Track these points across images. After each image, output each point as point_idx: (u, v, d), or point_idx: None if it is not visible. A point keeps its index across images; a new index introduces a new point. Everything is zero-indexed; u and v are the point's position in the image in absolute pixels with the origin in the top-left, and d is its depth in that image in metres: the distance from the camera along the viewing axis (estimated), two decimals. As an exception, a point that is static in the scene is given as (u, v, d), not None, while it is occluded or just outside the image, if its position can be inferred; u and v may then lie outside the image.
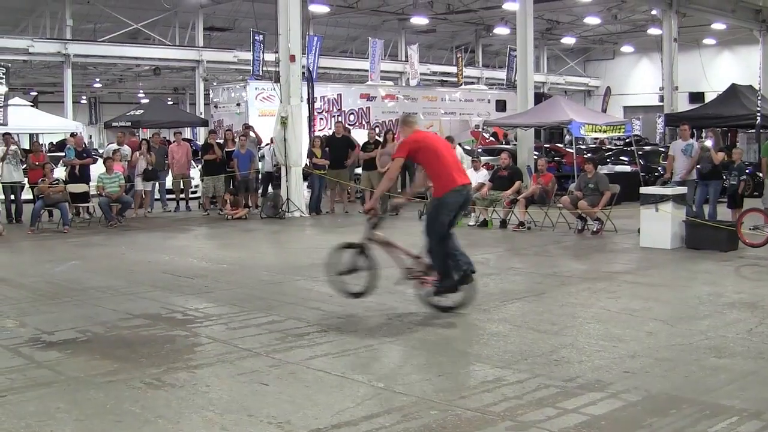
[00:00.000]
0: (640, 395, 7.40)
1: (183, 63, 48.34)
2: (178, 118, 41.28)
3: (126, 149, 25.07)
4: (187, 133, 44.65)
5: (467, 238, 18.90)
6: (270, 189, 25.46)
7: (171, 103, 63.22)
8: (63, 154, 24.29)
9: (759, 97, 29.14)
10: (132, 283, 13.38)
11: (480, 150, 31.97)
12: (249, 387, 7.71)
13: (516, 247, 17.94)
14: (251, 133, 26.03)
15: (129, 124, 37.25)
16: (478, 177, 21.83)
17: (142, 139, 27.44)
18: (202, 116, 43.73)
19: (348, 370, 8.23)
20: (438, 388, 7.59)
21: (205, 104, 46.40)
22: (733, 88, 33.74)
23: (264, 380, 7.88)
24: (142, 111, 39.39)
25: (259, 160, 25.72)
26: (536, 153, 30.66)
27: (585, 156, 27.20)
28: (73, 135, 26.09)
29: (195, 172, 27.78)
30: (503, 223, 20.77)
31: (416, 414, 6.89)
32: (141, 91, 70.34)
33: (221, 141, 26.04)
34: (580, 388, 7.58)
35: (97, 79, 63.17)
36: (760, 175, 19.96)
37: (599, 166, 22.28)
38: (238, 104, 34.41)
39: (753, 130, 32.40)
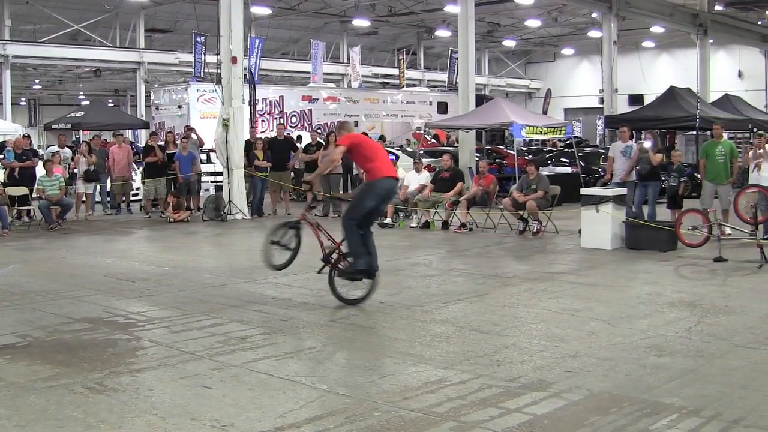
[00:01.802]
0: (582, 394, 7.47)
1: (124, 65, 47.96)
2: (119, 120, 40.97)
3: (66, 152, 24.85)
4: (129, 135, 44.31)
5: (409, 239, 19.01)
6: None
7: (112, 105, 62.65)
8: (2, 156, 23.99)
9: (698, 100, 29.48)
10: (73, 286, 13.26)
11: (422, 152, 32.05)
12: (192, 390, 7.68)
13: (458, 248, 18.00)
14: (193, 135, 25.90)
15: (69, 126, 36.96)
16: (419, 179, 21.91)
17: (83, 141, 27.18)
18: (144, 118, 43.42)
19: (291, 372, 8.23)
20: (381, 390, 7.61)
21: (146, 106, 46.11)
22: (672, 90, 34.12)
23: (207, 383, 7.86)
24: (82, 113, 39.00)
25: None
26: (477, 155, 30.79)
27: (527, 158, 27.37)
28: (26, 137, 25.76)
29: (136, 175, 27.55)
30: (445, 225, 20.85)
31: (360, 416, 6.90)
32: (81, 93, 69.70)
33: (162, 143, 25.88)
34: (522, 388, 7.64)
35: (37, 81, 62.57)
36: (699, 176, 20.20)
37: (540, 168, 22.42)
38: (180, 106, 34.33)
39: (692, 132, 32.82)
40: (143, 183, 25.87)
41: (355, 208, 11.65)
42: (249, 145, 24.34)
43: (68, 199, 22.83)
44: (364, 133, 17.87)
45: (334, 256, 11.77)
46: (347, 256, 11.62)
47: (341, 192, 22.98)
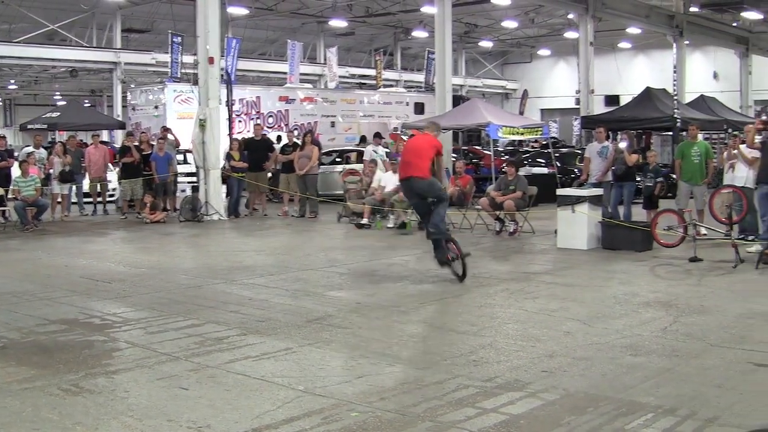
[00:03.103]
0: (559, 394, 7.50)
1: (100, 65, 47.62)
2: (95, 120, 40.77)
3: (42, 152, 24.71)
4: (105, 135, 44.10)
5: (386, 240, 19.04)
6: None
7: (88, 105, 62.34)
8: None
9: (675, 101, 29.57)
10: (49, 288, 13.21)
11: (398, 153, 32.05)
12: (168, 392, 7.67)
13: (435, 249, 18.01)
14: (169, 136, 25.83)
15: (45, 126, 36.77)
16: (396, 179, 21.89)
17: (58, 141, 27.04)
18: (120, 119, 43.20)
19: (268, 373, 8.22)
20: (358, 390, 7.61)
21: (123, 107, 45.81)
22: (648, 91, 34.21)
23: (183, 385, 7.84)
24: (58, 113, 38.82)
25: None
26: (454, 155, 30.82)
27: (504, 158, 27.42)
28: (1, 137, 25.60)
29: (112, 175, 27.42)
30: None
31: (337, 416, 6.91)
32: (57, 93, 69.28)
33: (137, 143, 25.76)
34: (499, 388, 7.66)
35: (12, 81, 62.18)
36: (674, 176, 20.29)
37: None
38: (156, 107, 34.18)
39: (667, 133, 32.94)
40: (119, 184, 25.77)
41: None
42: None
43: (44, 200, 22.73)
44: (411, 135, 20.14)
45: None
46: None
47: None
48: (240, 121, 34.58)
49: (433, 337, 9.71)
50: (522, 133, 27.58)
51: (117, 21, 47.74)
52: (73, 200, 25.75)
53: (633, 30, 48.96)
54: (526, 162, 31.24)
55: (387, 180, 21.98)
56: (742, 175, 17.55)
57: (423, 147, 13.96)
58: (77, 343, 9.51)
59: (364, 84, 54.73)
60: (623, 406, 7.16)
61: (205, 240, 20.21)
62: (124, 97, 44.64)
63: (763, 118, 29.20)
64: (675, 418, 6.86)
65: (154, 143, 25.67)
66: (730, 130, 31.15)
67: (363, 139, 36.18)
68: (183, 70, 39.18)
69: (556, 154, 30.11)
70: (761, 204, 16.16)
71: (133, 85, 43.21)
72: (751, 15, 43.11)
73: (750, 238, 17.03)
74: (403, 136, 34.72)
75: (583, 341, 9.44)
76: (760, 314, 10.88)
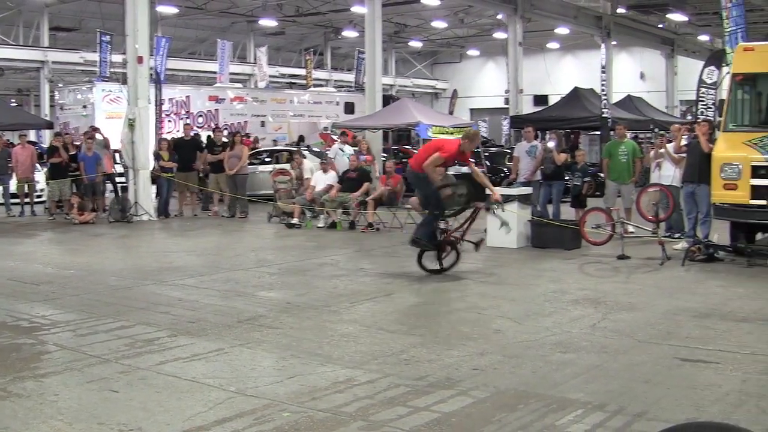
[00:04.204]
0: (489, 391, 7.55)
1: (27, 63, 46.92)
2: (22, 120, 39.90)
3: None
4: (32, 135, 43.50)
5: (316, 239, 19.03)
6: None
7: (14, 104, 61.43)
8: None
9: (604, 101, 29.86)
10: (-25, 290, 13.01)
11: (329, 152, 32.01)
12: (99, 394, 7.60)
13: (365, 248, 18.05)
14: (98, 136, 25.56)
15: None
16: (326, 179, 21.90)
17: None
18: (48, 118, 42.62)
19: (199, 374, 8.18)
20: (290, 390, 7.60)
21: (50, 106, 45.21)
22: (576, 91, 34.60)
23: (114, 387, 7.78)
24: (-17, 113, 38.20)
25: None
26: (384, 155, 30.87)
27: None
28: None
29: (40, 176, 27.04)
30: (352, 225, 20.89)
31: (269, 416, 6.90)
32: (-17, 93, 68.28)
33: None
34: (430, 387, 7.69)
35: (-64, 80, 61.14)
36: (602, 175, 20.52)
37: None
38: (85, 106, 33.82)
39: (595, 132, 33.27)
40: (47, 184, 25.43)
41: None
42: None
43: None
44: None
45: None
46: None
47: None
48: (170, 121, 34.32)
49: (364, 336, 9.71)
50: (451, 133, 27.63)
51: (44, 19, 47.06)
52: (-1, 201, 25.41)
53: (561, 30, 49.45)
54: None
55: (318, 180, 21.96)
56: (668, 174, 17.80)
57: (432, 145, 14.91)
58: (5, 347, 9.38)
59: (295, 84, 54.58)
60: (553, 403, 7.23)
61: (134, 241, 20.03)
62: (51, 97, 44.09)
63: (689, 118, 29.66)
64: (604, 414, 6.95)
65: (78, 143, 25.38)
66: (656, 130, 31.58)
67: (301, 139, 36.10)
68: (112, 70, 38.84)
69: (486, 154, 30.29)
70: (686, 202, 16.42)
71: (61, 85, 42.60)
72: (677, 17, 43.81)
73: (676, 235, 17.30)
74: (333, 136, 34.77)
75: (514, 339, 9.52)
76: (686, 310, 11.05)
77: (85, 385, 7.89)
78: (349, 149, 25.52)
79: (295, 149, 27.80)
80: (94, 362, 8.63)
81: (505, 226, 15.45)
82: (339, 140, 27.48)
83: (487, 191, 15.07)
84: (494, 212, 15.39)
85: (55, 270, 15.17)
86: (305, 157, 25.39)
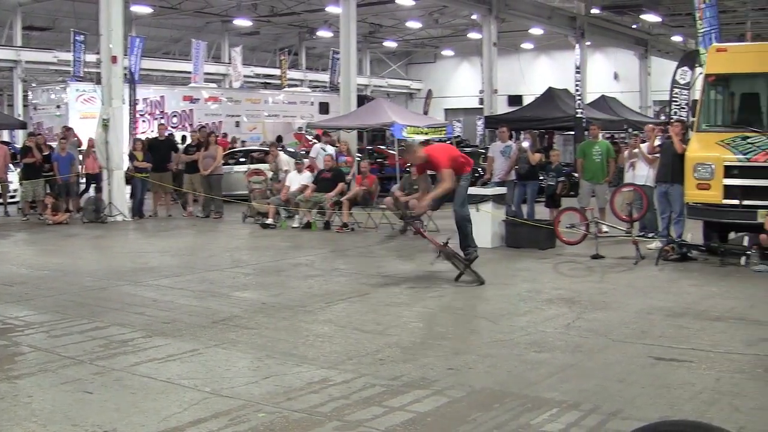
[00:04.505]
0: (465, 391, 7.56)
1: (0, 63, 46.79)
2: (-6, 120, 40.01)
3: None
4: (5, 135, 43.28)
5: (291, 240, 19.01)
6: None
7: (-13, 104, 61.16)
8: None
9: (578, 101, 29.94)
10: (-53, 291, 12.92)
11: (303, 152, 31.99)
12: (73, 396, 7.56)
13: (340, 248, 18.04)
14: (71, 136, 25.45)
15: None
16: (301, 179, 21.89)
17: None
18: (21, 118, 42.43)
19: (174, 375, 8.16)
20: (265, 391, 7.59)
21: (24, 106, 45.02)
22: (550, 91, 34.72)
23: (88, 388, 7.74)
24: (-43, 113, 38.07)
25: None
26: (359, 155, 30.86)
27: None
28: None
29: (13, 176, 26.87)
30: (327, 225, 20.87)
31: (244, 417, 6.89)
32: (-45, 92, 67.86)
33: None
34: (405, 386, 7.69)
35: None
36: (576, 175, 20.59)
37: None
38: (59, 106, 33.69)
39: (569, 132, 33.35)
40: (21, 184, 25.27)
41: None
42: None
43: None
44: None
45: None
46: None
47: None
48: (144, 121, 34.24)
49: (339, 336, 9.71)
50: (426, 133, 27.68)
51: (17, 18, 46.84)
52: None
53: (535, 31, 49.58)
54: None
55: (293, 180, 21.93)
56: (642, 173, 17.90)
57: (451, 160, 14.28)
58: (-22, 348, 9.33)
59: (269, 84, 54.59)
60: (528, 402, 7.25)
61: (109, 241, 19.95)
62: (25, 97, 43.91)
63: (663, 118, 29.79)
64: (579, 413, 6.97)
65: (52, 144, 25.26)
66: (630, 130, 31.69)
67: (279, 139, 36.08)
68: (86, 69, 38.69)
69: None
70: (660, 202, 16.49)
71: (34, 84, 42.49)
72: (650, 18, 43.99)
73: (650, 235, 17.39)
74: (307, 136, 34.77)
75: (488, 339, 9.54)
76: (660, 310, 11.10)
77: (60, 386, 7.85)
78: (330, 149, 25.53)
79: (269, 147, 27.67)
80: (68, 363, 8.59)
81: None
82: (322, 140, 27.44)
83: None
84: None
85: (29, 271, 15.08)
86: (282, 150, 25.33)
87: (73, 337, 9.76)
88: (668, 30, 49.91)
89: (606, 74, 56.71)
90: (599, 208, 18.54)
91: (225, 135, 35.18)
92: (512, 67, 55.87)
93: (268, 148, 27.25)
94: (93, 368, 8.39)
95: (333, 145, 26.61)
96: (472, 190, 18.22)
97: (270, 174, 24.09)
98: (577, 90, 29.91)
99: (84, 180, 25.53)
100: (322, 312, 11.15)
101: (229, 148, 30.56)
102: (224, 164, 26.23)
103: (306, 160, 24.52)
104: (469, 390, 7.60)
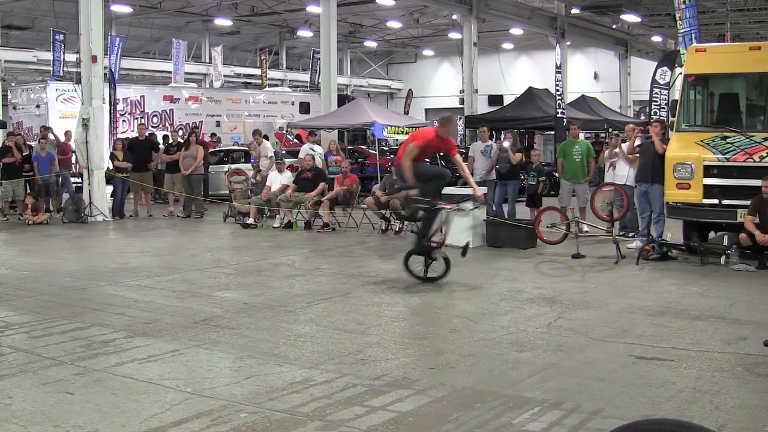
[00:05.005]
0: (446, 390, 7.57)
1: (-21, 62, 46.58)
2: (-27, 119, 39.82)
3: None
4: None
5: (272, 240, 18.99)
6: None
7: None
8: None
9: (559, 101, 30.03)
10: (-74, 292, 12.85)
11: (284, 152, 31.96)
12: (54, 397, 7.53)
13: (321, 248, 18.03)
14: (50, 136, 25.35)
15: None
16: (282, 179, 21.87)
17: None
18: (0, 118, 42.23)
19: (155, 375, 8.14)
20: (247, 391, 7.58)
21: (3, 105, 44.77)
22: (530, 91, 34.83)
23: (69, 389, 7.71)
24: (-66, 113, 37.86)
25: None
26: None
27: (389, 158, 27.51)
28: None
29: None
30: (308, 225, 20.86)
31: (226, 417, 6.88)
32: (-67, 92, 67.46)
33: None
34: (387, 386, 7.70)
35: None
36: (557, 175, 20.64)
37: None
38: (38, 106, 33.54)
39: (550, 132, 33.46)
40: (0, 184, 25.15)
41: None
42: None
43: None
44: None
45: None
46: None
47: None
48: (124, 121, 34.13)
49: (321, 336, 9.70)
50: (406, 133, 27.73)
51: (-4, 17, 46.68)
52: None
53: (516, 31, 49.67)
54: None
55: (274, 179, 21.91)
56: (623, 173, 17.98)
57: (410, 136, 14.70)
58: (-42, 349, 9.28)
59: (250, 83, 54.46)
60: (510, 401, 7.26)
61: (89, 241, 19.88)
62: (4, 96, 43.64)
63: (642, 118, 29.91)
64: (561, 412, 6.99)
65: (31, 144, 25.16)
66: (610, 130, 31.82)
67: (258, 133, 36.01)
68: (65, 69, 38.49)
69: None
70: (640, 202, 16.55)
71: (13, 84, 42.23)
72: (630, 18, 44.12)
73: (630, 234, 17.46)
74: (288, 136, 34.74)
75: (470, 338, 9.55)
76: (640, 308, 11.14)
77: (40, 387, 7.81)
78: (319, 149, 25.53)
79: (252, 134, 27.55)
80: (49, 364, 8.56)
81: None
82: (309, 140, 27.40)
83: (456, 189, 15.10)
84: (468, 211, 15.36)
85: (9, 271, 15.02)
86: (267, 138, 25.29)
87: (53, 337, 9.72)
88: (648, 30, 50.10)
89: (586, 74, 56.89)
90: (580, 208, 18.59)
91: (213, 135, 35.06)
92: (493, 67, 55.99)
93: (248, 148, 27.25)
94: (74, 369, 8.36)
95: (319, 144, 26.61)
96: (453, 190, 18.32)
97: (251, 173, 24.08)
98: (557, 90, 30.02)
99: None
100: (303, 312, 11.15)
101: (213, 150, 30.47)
102: (215, 164, 26.23)
103: (287, 161, 24.50)
104: (451, 389, 7.61)
